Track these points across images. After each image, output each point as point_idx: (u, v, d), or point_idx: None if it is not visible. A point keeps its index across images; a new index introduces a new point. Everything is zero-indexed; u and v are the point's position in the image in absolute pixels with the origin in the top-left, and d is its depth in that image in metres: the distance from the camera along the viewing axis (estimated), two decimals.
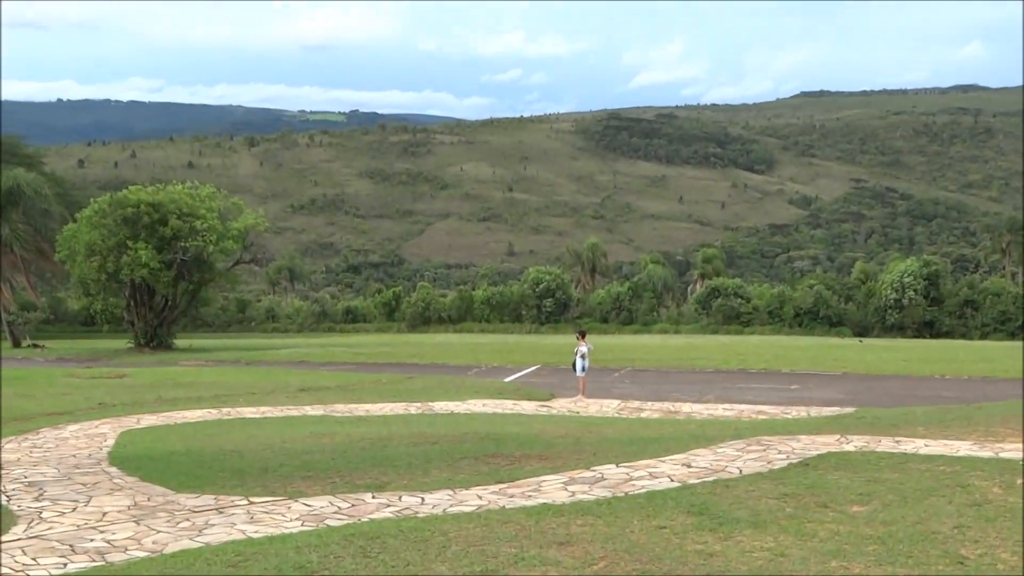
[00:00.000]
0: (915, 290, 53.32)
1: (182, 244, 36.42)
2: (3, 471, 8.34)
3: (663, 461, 7.99)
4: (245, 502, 6.88)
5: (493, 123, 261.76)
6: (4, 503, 6.98)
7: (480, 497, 6.77)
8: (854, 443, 8.81)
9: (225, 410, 14.21)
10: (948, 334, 52.27)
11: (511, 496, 6.77)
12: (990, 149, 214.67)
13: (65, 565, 5.25)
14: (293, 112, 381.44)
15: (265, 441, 10.35)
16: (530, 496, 6.73)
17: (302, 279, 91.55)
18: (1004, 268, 70.13)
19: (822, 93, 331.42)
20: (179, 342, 40.17)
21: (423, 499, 6.77)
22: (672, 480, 7.16)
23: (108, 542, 5.80)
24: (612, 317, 61.63)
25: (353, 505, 6.66)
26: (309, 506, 6.68)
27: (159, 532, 6.00)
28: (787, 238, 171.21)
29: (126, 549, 5.62)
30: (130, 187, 39.11)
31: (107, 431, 11.51)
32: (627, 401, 16.56)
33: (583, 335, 18.45)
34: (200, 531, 5.98)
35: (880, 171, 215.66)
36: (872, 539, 5.28)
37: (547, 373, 24.17)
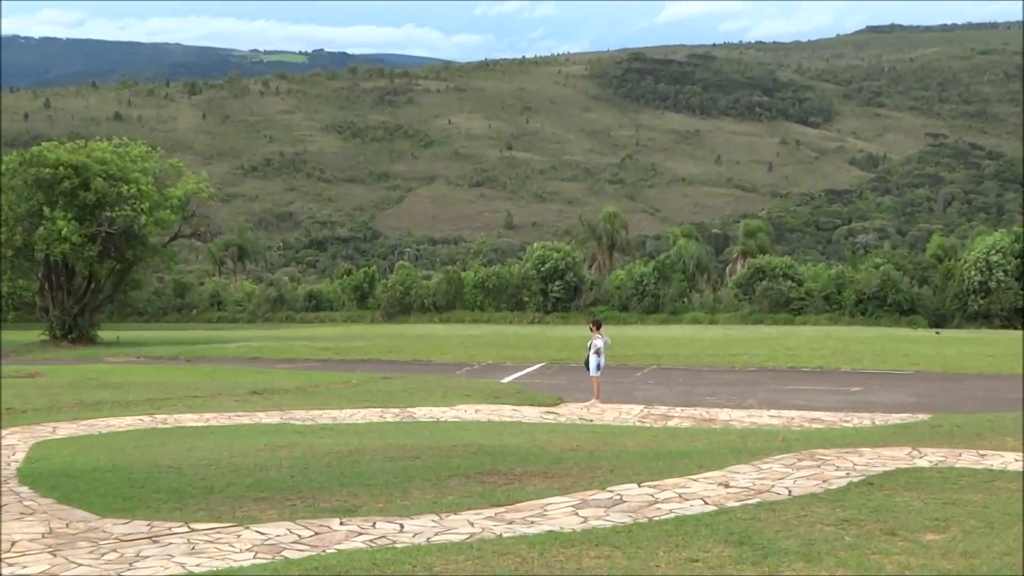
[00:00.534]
0: (1005, 270, 53.03)
1: (108, 214, 36.27)
2: None
3: (695, 480, 8.02)
4: (185, 529, 6.94)
5: (488, 66, 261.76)
6: None
7: (472, 524, 6.82)
8: (928, 458, 8.90)
9: (161, 417, 14.30)
10: None
11: (509, 522, 6.82)
12: None
13: None
14: (243, 52, 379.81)
15: (209, 455, 10.40)
16: (533, 522, 6.78)
17: (254, 257, 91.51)
18: None
19: (892, 28, 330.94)
20: (104, 334, 40.13)
21: (402, 526, 6.82)
22: (706, 503, 7.20)
23: None
24: (634, 304, 61.44)
25: (316, 533, 6.71)
26: (263, 534, 6.73)
27: (80, 565, 6.00)
28: (848, 207, 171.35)
29: None
30: (44, 143, 38.96)
31: (16, 443, 11.55)
32: (652, 406, 16.64)
33: (598, 326, 18.42)
34: (130, 564, 5.98)
35: (963, 124, 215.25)
36: (950, 575, 5.36)
37: (554, 372, 24.20)
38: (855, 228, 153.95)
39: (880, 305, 55.93)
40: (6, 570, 6.12)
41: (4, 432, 12.54)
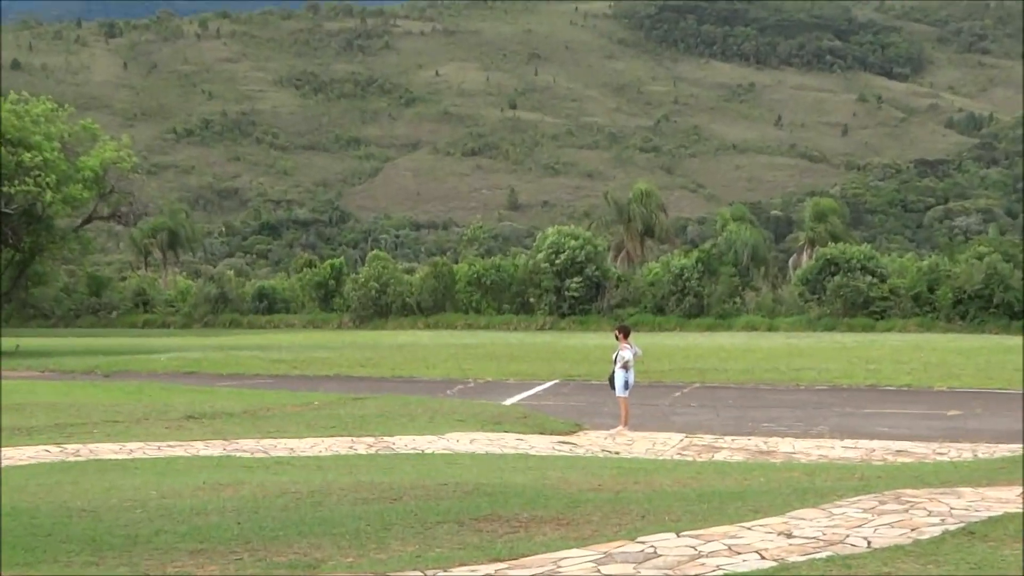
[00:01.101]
0: None
1: (3, 190, 36.60)
2: None
3: (749, 528, 8.06)
4: None
5: (486, 2, 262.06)
6: None
7: None
8: None
9: (72, 448, 14.28)
10: None
11: None
12: None
13: None
14: None
15: (134, 495, 10.35)
16: None
17: (190, 246, 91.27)
18: None
19: None
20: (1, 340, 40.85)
21: None
22: (763, 557, 7.20)
23: None
24: (672, 306, 61.31)
25: None
26: None
27: None
28: (944, 181, 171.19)
29: None
30: None
31: None
32: (694, 435, 16.77)
33: (626, 333, 18.63)
34: None
35: None
36: None
37: (570, 392, 24.25)
38: (953, 209, 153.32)
39: (984, 307, 55.84)
40: None
41: None
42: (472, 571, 7.36)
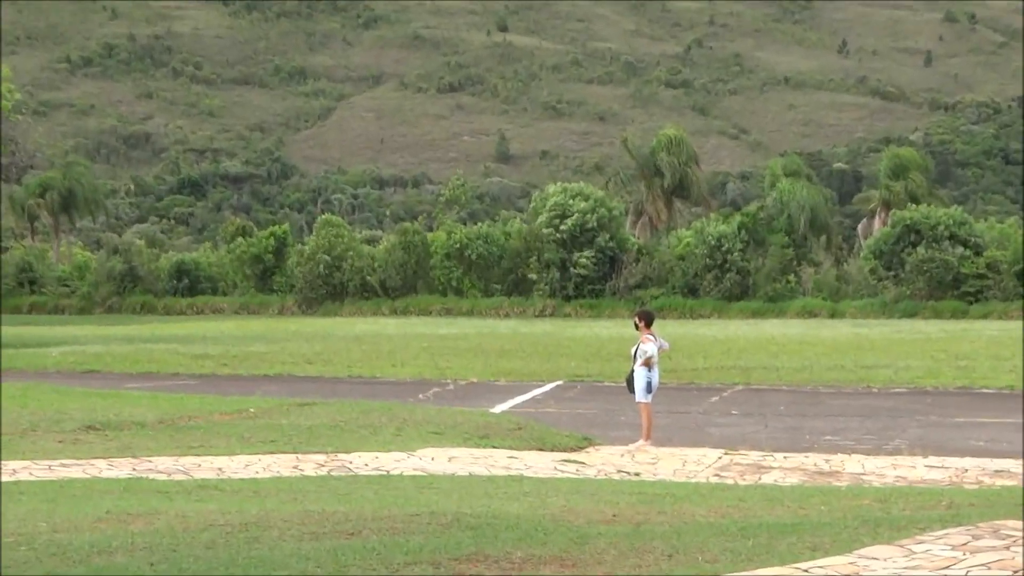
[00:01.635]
0: None
1: None
2: None
3: (806, 570, 7.98)
4: None
5: None
6: None
7: None
8: None
9: None
10: None
11: None
12: None
13: None
14: None
15: (18, 529, 10.27)
16: None
17: (89, 208, 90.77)
18: None
19: None
20: None
21: None
22: None
23: None
24: (708, 285, 61.32)
25: None
26: None
27: None
28: None
29: None
30: None
31: None
32: (736, 451, 16.91)
33: (649, 321, 18.69)
34: None
35: None
36: None
37: (576, 396, 24.50)
38: None
39: None
40: None
41: None
42: None
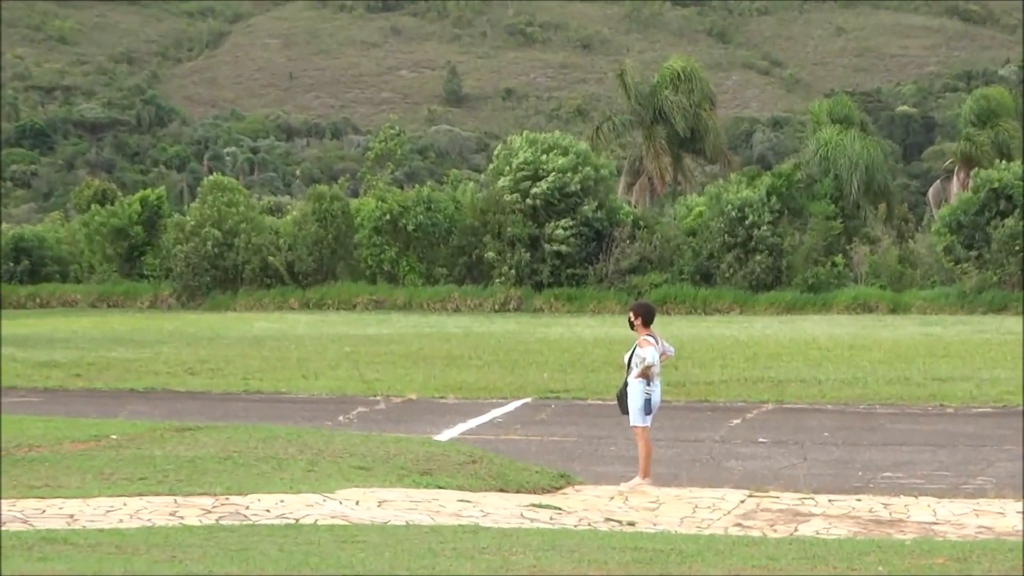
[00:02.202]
0: None
1: None
2: None
3: None
4: None
5: None
6: None
7: None
8: None
9: None
10: None
11: None
12: None
13: None
14: None
15: None
16: None
17: None
18: None
19: None
20: None
21: None
22: None
23: None
24: (727, 270, 60.70)
25: None
26: None
27: None
28: None
29: None
30: None
31: None
32: (764, 492, 16.66)
33: (648, 318, 18.24)
34: None
35: None
36: None
37: (551, 418, 24.42)
38: None
39: None
40: None
41: None
42: None
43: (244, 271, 61.56)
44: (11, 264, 64.00)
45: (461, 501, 15.50)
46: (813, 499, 16.11)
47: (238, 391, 27.84)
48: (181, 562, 11.22)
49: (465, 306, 59.60)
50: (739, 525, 14.52)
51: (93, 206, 65.84)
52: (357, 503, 15.15)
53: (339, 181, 78.13)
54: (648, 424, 17.40)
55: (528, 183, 59.96)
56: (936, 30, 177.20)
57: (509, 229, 60.27)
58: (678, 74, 70.00)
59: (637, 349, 17.57)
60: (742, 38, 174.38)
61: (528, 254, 60.26)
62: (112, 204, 65.86)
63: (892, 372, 30.08)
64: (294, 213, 65.57)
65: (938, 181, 73.30)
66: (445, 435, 21.76)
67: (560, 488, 17.11)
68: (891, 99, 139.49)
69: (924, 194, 74.92)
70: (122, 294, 63.08)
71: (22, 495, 15.10)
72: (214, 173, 77.46)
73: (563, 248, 59.74)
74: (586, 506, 15.80)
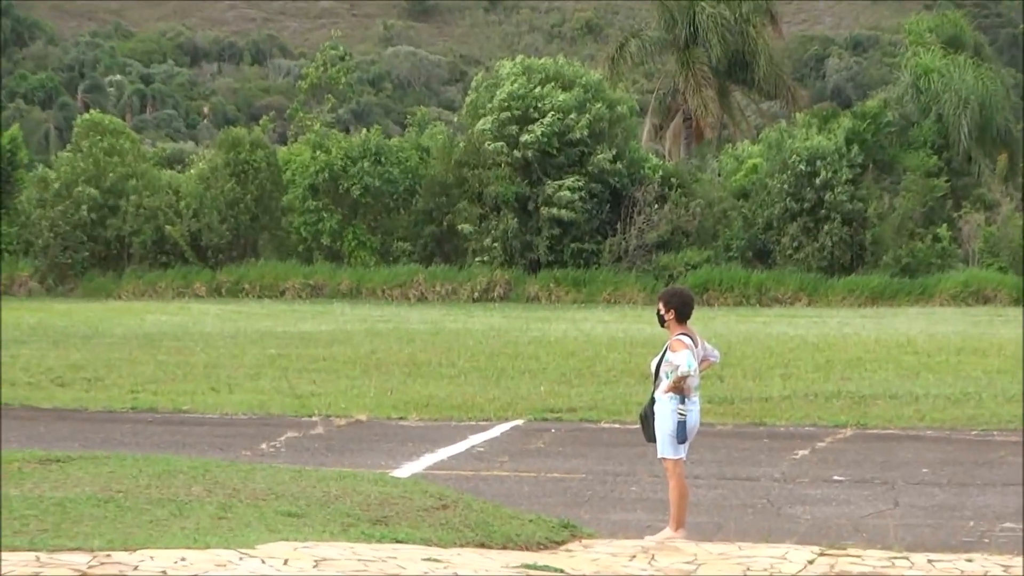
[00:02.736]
0: None
1: None
2: None
3: None
4: None
5: None
6: None
7: None
8: None
9: None
10: None
11: None
12: None
13: None
14: None
15: None
16: None
17: None
18: None
19: None
20: None
21: None
22: None
23: None
24: (789, 247, 59.75)
25: None
26: None
27: None
28: None
29: None
30: None
31: None
32: (840, 550, 15.93)
33: (682, 310, 17.32)
34: None
35: None
36: None
37: (550, 446, 23.40)
38: None
39: None
40: None
41: None
42: None
43: (132, 245, 60.00)
44: None
45: (427, 560, 14.55)
46: (907, 559, 15.11)
47: (124, 409, 26.69)
48: None
49: (433, 293, 58.49)
50: None
51: None
52: (286, 563, 14.21)
53: (261, 122, 76.70)
54: (683, 456, 16.48)
55: (517, 127, 58.54)
56: None
57: (492, 188, 58.97)
58: None
59: (668, 353, 16.50)
60: None
61: (518, 223, 58.98)
62: None
63: (1015, 385, 28.43)
64: (200, 165, 62.88)
65: None
66: (406, 470, 20.95)
67: (563, 543, 16.22)
68: (1015, 12, 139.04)
69: None
70: None
71: None
72: (91, 110, 76.50)
73: (566, 215, 57.80)
74: (598, 568, 14.93)
